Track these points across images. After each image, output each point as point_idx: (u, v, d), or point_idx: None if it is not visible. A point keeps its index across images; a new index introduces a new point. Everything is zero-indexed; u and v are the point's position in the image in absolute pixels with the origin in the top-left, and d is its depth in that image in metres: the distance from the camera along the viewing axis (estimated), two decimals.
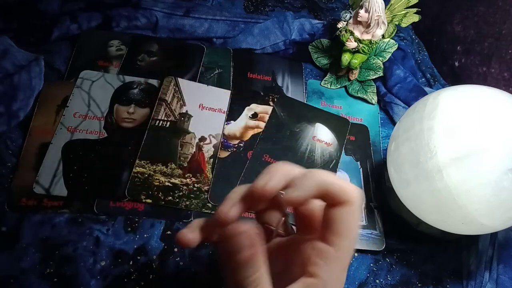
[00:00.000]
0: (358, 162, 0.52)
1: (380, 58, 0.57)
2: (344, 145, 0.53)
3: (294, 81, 0.59)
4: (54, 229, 0.42)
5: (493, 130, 0.36)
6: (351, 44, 0.53)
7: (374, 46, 0.54)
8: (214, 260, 0.43)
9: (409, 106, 0.55)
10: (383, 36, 0.55)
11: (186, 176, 0.47)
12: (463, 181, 0.36)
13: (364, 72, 0.58)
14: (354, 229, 0.26)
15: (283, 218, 0.30)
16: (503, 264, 0.45)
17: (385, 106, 0.58)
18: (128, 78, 0.53)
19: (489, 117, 0.37)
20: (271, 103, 0.55)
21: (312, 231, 0.29)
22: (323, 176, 0.26)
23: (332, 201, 0.26)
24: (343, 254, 0.26)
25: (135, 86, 0.52)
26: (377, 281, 0.45)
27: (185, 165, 0.48)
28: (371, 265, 0.46)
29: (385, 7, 0.52)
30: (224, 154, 0.50)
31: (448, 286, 0.45)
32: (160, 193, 0.45)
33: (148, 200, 0.45)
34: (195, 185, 0.47)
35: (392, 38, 0.56)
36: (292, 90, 0.58)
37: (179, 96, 0.52)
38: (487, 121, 0.37)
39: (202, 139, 0.50)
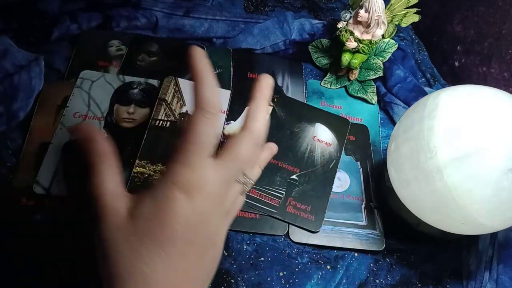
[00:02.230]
0: (358, 162, 0.52)
1: (380, 58, 0.57)
2: (344, 145, 0.53)
3: (294, 81, 0.59)
4: (54, 229, 0.42)
5: (493, 130, 0.36)
6: (351, 44, 0.53)
7: (374, 46, 0.54)
8: None
9: (409, 106, 0.55)
10: (383, 36, 0.55)
11: None
12: (463, 181, 0.36)
13: (364, 72, 0.58)
14: (239, 153, 0.31)
15: None
16: (503, 264, 0.45)
17: (385, 106, 0.58)
18: (128, 78, 0.53)
19: (489, 117, 0.37)
20: (271, 103, 0.55)
21: None
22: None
23: None
24: (224, 166, 0.31)
25: (135, 86, 0.52)
26: (377, 281, 0.45)
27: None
28: (371, 265, 0.46)
29: (385, 7, 0.52)
30: None
31: (448, 286, 0.45)
32: None
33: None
34: None
35: (392, 38, 0.56)
36: (292, 90, 0.58)
37: (179, 96, 0.52)
38: (487, 121, 0.37)
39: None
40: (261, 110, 0.33)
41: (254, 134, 0.32)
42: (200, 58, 0.31)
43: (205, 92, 0.30)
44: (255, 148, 0.32)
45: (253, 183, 0.34)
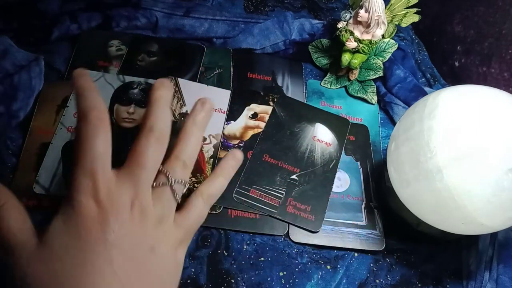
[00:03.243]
0: (358, 162, 0.52)
1: (380, 58, 0.57)
2: (344, 145, 0.53)
3: (294, 81, 0.59)
4: None
5: (493, 130, 0.36)
6: (351, 44, 0.53)
7: (374, 46, 0.54)
8: (214, 260, 0.43)
9: (409, 106, 0.55)
10: (383, 36, 0.55)
11: None
12: (463, 181, 0.36)
13: (364, 72, 0.58)
14: (136, 149, 0.31)
15: None
16: (503, 264, 0.45)
17: (385, 106, 0.58)
18: (128, 78, 0.53)
19: (489, 117, 0.37)
20: (271, 103, 0.55)
21: None
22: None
23: None
24: (125, 166, 0.31)
25: (135, 86, 0.52)
26: (377, 281, 0.45)
27: None
28: (371, 265, 0.46)
29: (385, 7, 0.52)
30: (224, 154, 0.50)
31: (448, 286, 0.45)
32: None
33: None
34: (195, 185, 0.47)
35: (392, 38, 0.56)
36: (292, 90, 0.58)
37: (179, 96, 0.52)
38: (487, 121, 0.37)
39: (202, 139, 0.50)
40: (158, 108, 0.32)
41: (155, 132, 0.31)
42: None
43: (82, 102, 0.30)
44: (158, 147, 0.31)
45: (184, 183, 0.32)
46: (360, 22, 0.52)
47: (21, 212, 0.30)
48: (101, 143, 0.29)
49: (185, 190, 0.33)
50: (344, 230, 0.47)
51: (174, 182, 0.31)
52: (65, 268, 0.26)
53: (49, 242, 0.27)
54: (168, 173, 0.32)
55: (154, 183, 0.31)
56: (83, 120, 0.29)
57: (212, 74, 0.57)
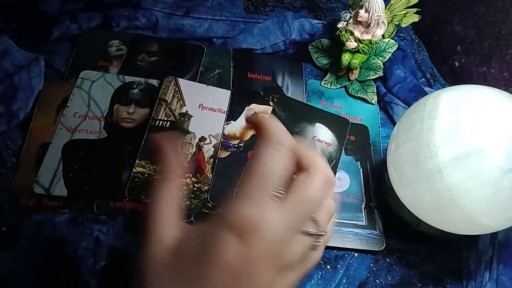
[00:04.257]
0: (358, 162, 0.52)
1: (380, 58, 0.57)
2: (344, 145, 0.53)
3: (294, 81, 0.59)
4: (54, 229, 0.42)
5: (493, 130, 0.36)
6: (351, 44, 0.53)
7: (374, 46, 0.54)
8: None
9: (409, 106, 0.55)
10: (383, 36, 0.55)
11: (186, 176, 0.47)
12: (463, 181, 0.36)
13: (364, 72, 0.58)
14: (309, 192, 0.26)
15: None
16: (503, 264, 0.45)
17: (385, 106, 0.58)
18: (128, 78, 0.53)
19: (489, 117, 0.37)
20: (271, 103, 0.55)
21: None
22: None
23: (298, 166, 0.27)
24: (289, 209, 0.25)
25: (135, 86, 0.52)
26: (377, 281, 0.45)
27: (185, 165, 0.48)
28: (371, 265, 0.46)
29: (385, 7, 0.52)
30: (224, 154, 0.50)
31: (448, 286, 0.45)
32: None
33: (148, 200, 0.45)
34: (195, 185, 0.47)
35: (392, 38, 0.56)
36: (292, 90, 0.58)
37: (179, 96, 0.52)
38: (487, 121, 0.37)
39: (202, 139, 0.50)
40: (314, 152, 0.28)
41: (327, 176, 0.27)
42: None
43: (272, 125, 0.27)
44: (326, 190, 0.27)
45: (327, 236, 0.28)
46: (360, 22, 0.52)
47: (176, 200, 0.27)
48: (272, 169, 0.25)
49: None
50: (344, 230, 0.47)
51: (321, 232, 0.27)
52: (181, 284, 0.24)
53: (179, 254, 0.25)
54: (320, 224, 0.28)
55: (304, 228, 0.27)
56: (264, 142, 0.26)
57: (212, 74, 0.57)
